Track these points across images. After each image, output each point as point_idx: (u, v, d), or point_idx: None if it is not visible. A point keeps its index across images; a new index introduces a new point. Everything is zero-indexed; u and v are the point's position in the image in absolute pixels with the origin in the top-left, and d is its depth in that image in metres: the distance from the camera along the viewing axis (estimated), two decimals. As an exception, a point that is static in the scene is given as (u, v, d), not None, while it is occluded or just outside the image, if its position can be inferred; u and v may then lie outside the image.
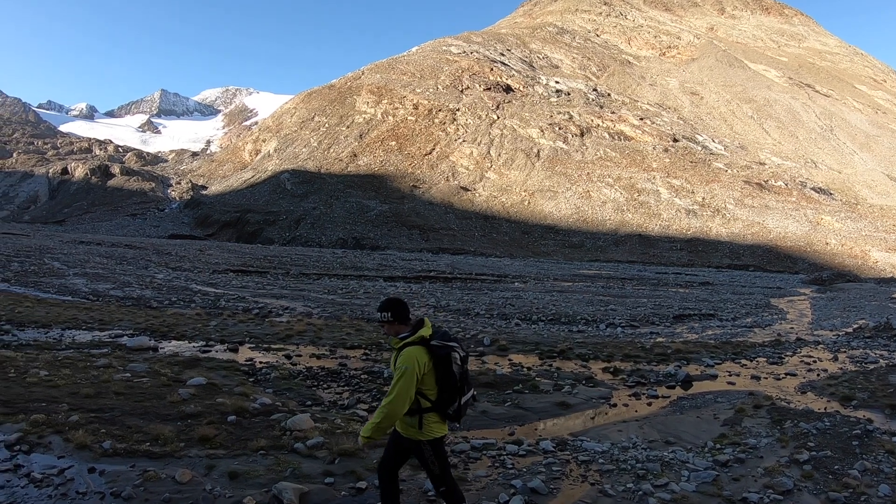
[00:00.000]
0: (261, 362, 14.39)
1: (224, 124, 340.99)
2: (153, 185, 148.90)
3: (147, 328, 18.72)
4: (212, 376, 12.33)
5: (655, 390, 13.39)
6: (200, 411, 9.59)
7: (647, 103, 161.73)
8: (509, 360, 16.11)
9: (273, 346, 16.63)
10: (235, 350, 16.10)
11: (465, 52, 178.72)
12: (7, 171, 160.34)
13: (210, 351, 15.77)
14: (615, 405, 12.24)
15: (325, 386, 12.80)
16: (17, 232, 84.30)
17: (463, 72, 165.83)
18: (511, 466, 8.20)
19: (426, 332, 5.16)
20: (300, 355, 15.72)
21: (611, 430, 10.44)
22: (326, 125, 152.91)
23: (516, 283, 44.71)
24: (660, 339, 20.89)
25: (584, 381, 13.70)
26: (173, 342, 16.90)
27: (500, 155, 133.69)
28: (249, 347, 16.57)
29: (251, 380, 12.74)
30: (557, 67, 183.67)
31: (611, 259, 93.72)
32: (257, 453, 7.99)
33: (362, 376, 13.50)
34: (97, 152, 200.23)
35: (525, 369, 14.76)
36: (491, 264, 68.42)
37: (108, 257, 51.14)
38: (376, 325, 21.60)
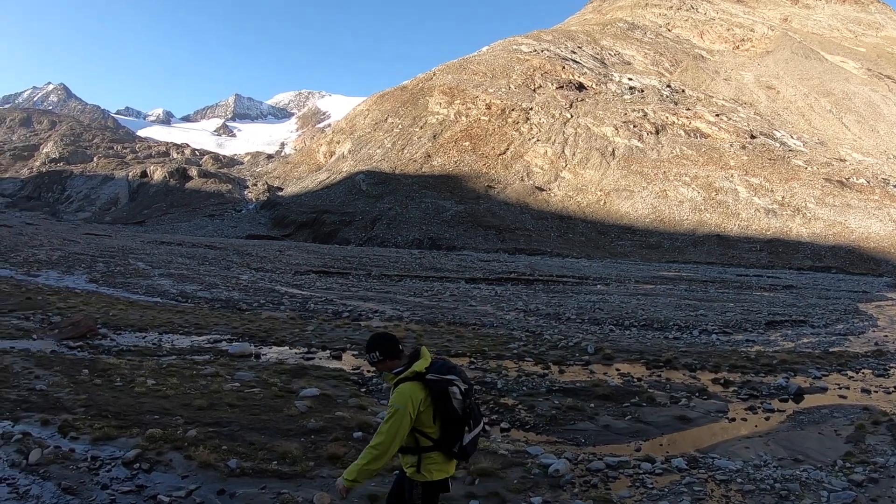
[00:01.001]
0: (368, 371, 14.36)
1: (297, 127, 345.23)
2: (230, 186, 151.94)
3: (244, 333, 18.96)
4: (323, 386, 12.31)
5: (770, 404, 13.08)
6: (323, 426, 9.52)
7: (723, 99, 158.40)
8: (617, 369, 15.90)
9: (377, 354, 16.53)
10: (339, 357, 16.14)
11: (535, 50, 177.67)
12: (88, 175, 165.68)
13: (313, 358, 15.86)
14: (733, 419, 12.01)
15: (439, 398, 12.64)
16: (99, 232, 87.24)
17: (534, 70, 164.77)
18: (652, 486, 8.04)
19: (421, 365, 4.64)
20: (406, 364, 15.60)
21: (737, 446, 10.21)
22: (400, 126, 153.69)
23: (598, 286, 44.23)
24: (758, 348, 20.46)
25: (697, 394, 13.44)
26: (274, 348, 17.08)
27: (574, 154, 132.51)
28: (353, 354, 16.59)
29: (363, 390, 12.73)
30: (629, 64, 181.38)
31: (689, 260, 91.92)
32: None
33: (475, 387, 13.29)
34: (174, 156, 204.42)
35: (635, 380, 14.56)
36: (569, 265, 67.91)
37: (190, 258, 52.29)
38: (470, 329, 21.52)
